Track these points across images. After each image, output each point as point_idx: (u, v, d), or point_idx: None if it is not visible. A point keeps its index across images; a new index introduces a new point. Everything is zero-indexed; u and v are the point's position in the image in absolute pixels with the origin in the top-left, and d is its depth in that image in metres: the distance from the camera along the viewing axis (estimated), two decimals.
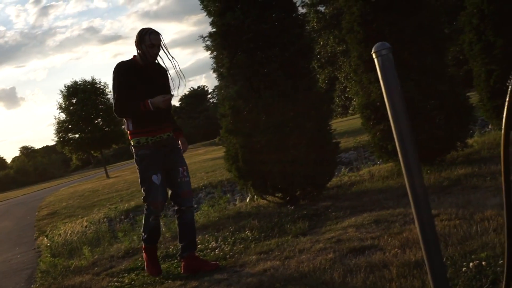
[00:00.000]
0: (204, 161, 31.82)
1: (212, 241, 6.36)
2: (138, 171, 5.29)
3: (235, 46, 7.63)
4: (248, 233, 6.33)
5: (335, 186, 8.79)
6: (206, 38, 7.95)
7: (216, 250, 5.89)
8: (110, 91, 44.35)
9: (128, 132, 5.25)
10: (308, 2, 70.94)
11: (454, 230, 4.61)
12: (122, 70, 5.12)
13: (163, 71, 5.30)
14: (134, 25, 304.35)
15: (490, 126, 11.92)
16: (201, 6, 8.09)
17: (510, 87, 2.24)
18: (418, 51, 7.95)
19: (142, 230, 5.61)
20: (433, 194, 6.42)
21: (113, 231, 10.72)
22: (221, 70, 7.88)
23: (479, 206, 5.25)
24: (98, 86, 46.65)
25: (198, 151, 53.25)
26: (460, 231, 4.56)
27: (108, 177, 42.36)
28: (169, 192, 5.42)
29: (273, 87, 7.38)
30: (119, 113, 5.20)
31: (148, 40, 5.08)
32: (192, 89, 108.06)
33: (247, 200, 9.66)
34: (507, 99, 2.25)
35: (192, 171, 26.54)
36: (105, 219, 13.54)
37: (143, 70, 5.15)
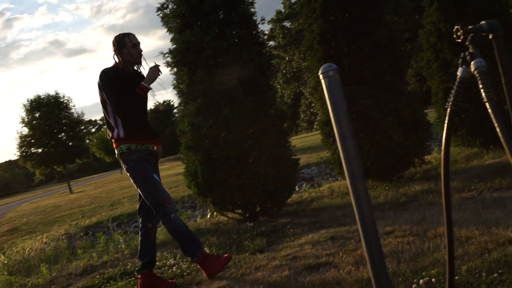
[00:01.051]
0: (168, 176, 31.65)
1: (171, 258, 6.33)
2: (134, 178, 5.09)
3: (195, 63, 7.65)
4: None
5: (295, 202, 8.83)
6: (167, 55, 7.96)
7: (174, 268, 5.86)
8: (74, 105, 44.07)
9: (117, 139, 5.09)
10: (274, 18, 71.56)
11: (407, 247, 4.66)
12: (110, 75, 5.06)
13: (143, 76, 5.25)
14: (100, 39, 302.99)
15: None
16: (162, 22, 8.10)
17: (448, 109, 2.29)
18: (377, 69, 8.07)
19: (180, 245, 5.16)
20: (390, 210, 6.49)
21: (72, 248, 10.61)
22: (181, 86, 7.89)
23: (433, 222, 5.32)
24: (62, 100, 46.25)
25: (163, 166, 52.98)
26: (413, 247, 4.61)
27: (71, 192, 41.94)
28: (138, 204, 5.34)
29: (232, 104, 7.40)
30: (126, 110, 5.02)
31: (129, 41, 5.08)
32: (157, 103, 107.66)
33: (208, 217, 9.63)
34: (446, 121, 2.30)
35: None
36: (64, 236, 13.40)
37: (127, 76, 5.12)
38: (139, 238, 5.44)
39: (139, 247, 5.43)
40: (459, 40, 2.27)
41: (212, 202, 7.80)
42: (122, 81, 5.05)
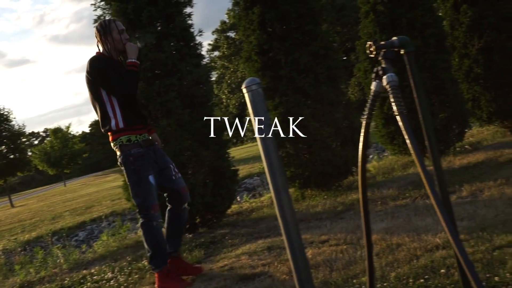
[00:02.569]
0: (111, 188, 31.33)
1: (109, 272, 6.28)
2: (128, 174, 4.86)
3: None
4: (145, 263, 6.28)
5: (236, 212, 8.86)
6: None
7: (112, 281, 5.82)
8: (14, 118, 43.16)
9: (116, 130, 4.84)
10: (219, 28, 71.70)
11: (341, 255, 4.75)
12: (102, 61, 4.88)
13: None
14: (42, 49, 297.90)
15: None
16: None
17: (363, 121, 2.36)
18: (314, 79, 8.18)
19: (149, 255, 4.99)
20: (327, 219, 6.59)
21: (10, 263, 10.40)
22: None
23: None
24: (2, 112, 45.32)
25: (108, 178, 52.42)
26: (346, 255, 4.71)
27: (12, 206, 41.06)
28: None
29: (170, 115, 7.41)
30: (131, 92, 4.84)
31: (115, 27, 4.92)
32: None
33: None
34: (362, 133, 2.37)
35: (98, 199, 26.11)
36: (2, 252, 13.12)
37: (115, 63, 4.95)
38: (167, 222, 5.26)
39: (166, 229, 5.24)
40: (372, 56, 2.35)
41: None
42: (111, 68, 4.87)
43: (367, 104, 2.41)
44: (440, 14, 10.14)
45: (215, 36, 73.76)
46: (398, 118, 2.20)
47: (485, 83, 9.79)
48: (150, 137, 5.11)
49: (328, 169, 8.20)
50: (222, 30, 71.61)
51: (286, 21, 8.35)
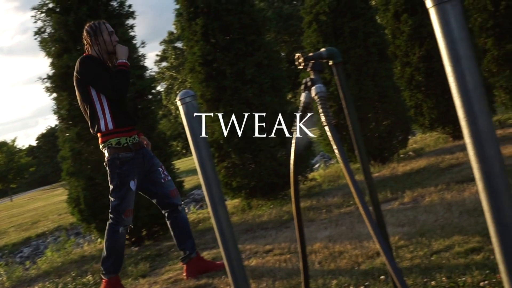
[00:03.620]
0: (59, 202, 30.78)
1: None
2: (112, 176, 4.83)
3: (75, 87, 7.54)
4: (90, 278, 6.20)
5: None
6: (45, 80, 7.81)
7: None
8: None
9: (106, 132, 4.79)
10: (166, 39, 71.47)
11: (284, 265, 4.77)
12: (93, 60, 4.82)
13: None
14: None
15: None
16: (40, 47, 7.95)
17: (293, 134, 2.39)
18: (258, 89, 8.22)
19: (103, 256, 4.97)
20: (273, 229, 6.60)
21: None
22: (62, 112, 7.75)
23: (310, 239, 5.46)
24: None
25: (56, 192, 51.54)
26: (289, 265, 4.73)
27: None
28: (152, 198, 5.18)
29: None
30: (123, 90, 4.79)
31: (106, 29, 4.86)
32: (49, 127, 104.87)
33: (95, 243, 9.47)
34: (292, 150, 2.40)
35: (45, 214, 25.66)
36: None
37: (105, 64, 4.90)
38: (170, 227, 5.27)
39: (174, 235, 5.25)
40: (301, 67, 2.38)
41: (96, 228, 7.68)
42: (105, 68, 4.84)
43: (297, 116, 2.43)
44: (381, 22, 10.34)
45: (163, 47, 73.55)
46: (326, 128, 2.23)
47: (426, 90, 10.02)
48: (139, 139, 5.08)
49: (274, 179, 8.23)
50: (169, 40, 71.42)
51: (229, 32, 8.37)
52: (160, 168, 5.12)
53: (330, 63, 2.37)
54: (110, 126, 4.77)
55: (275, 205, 8.04)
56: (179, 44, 68.70)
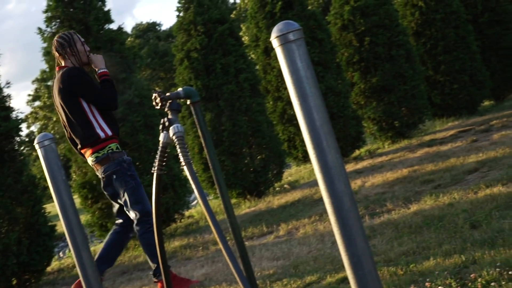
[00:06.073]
0: None
1: None
2: (126, 181, 4.51)
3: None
4: None
5: (57, 269, 8.50)
6: None
7: None
8: None
9: (105, 138, 4.50)
10: (39, 77, 69.38)
11: None
12: (82, 72, 4.56)
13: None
14: None
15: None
16: None
17: (155, 173, 2.36)
18: (130, 128, 8.11)
19: (151, 261, 4.68)
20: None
21: None
22: None
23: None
24: None
25: None
26: None
27: None
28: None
29: None
30: (114, 98, 4.62)
31: (78, 39, 4.63)
32: None
33: None
34: (154, 184, 2.36)
35: None
36: None
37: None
38: (110, 239, 4.80)
39: (103, 247, 4.80)
40: (158, 107, 2.36)
41: None
42: (92, 78, 4.64)
43: (157, 156, 2.40)
44: (252, 58, 10.54)
45: (35, 86, 71.32)
46: (184, 168, 2.22)
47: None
48: None
49: None
50: (42, 79, 69.37)
51: None
52: None
53: (188, 102, 2.36)
54: (109, 132, 4.55)
55: None
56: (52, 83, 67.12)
